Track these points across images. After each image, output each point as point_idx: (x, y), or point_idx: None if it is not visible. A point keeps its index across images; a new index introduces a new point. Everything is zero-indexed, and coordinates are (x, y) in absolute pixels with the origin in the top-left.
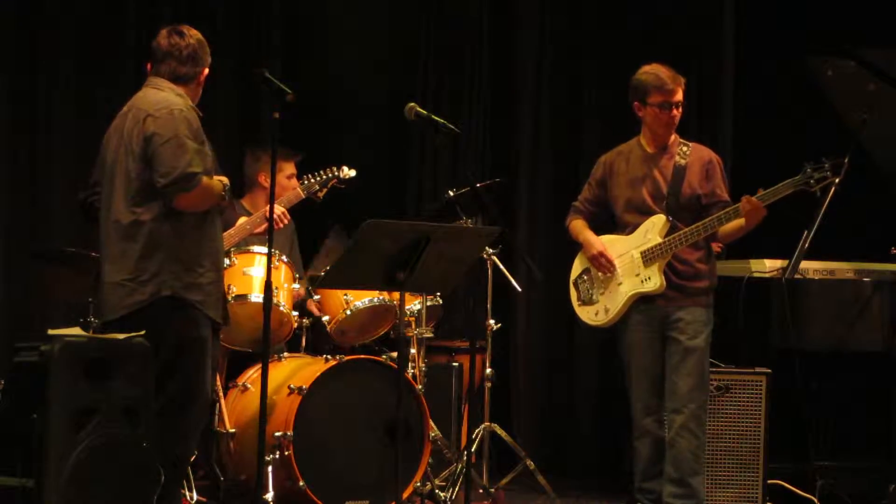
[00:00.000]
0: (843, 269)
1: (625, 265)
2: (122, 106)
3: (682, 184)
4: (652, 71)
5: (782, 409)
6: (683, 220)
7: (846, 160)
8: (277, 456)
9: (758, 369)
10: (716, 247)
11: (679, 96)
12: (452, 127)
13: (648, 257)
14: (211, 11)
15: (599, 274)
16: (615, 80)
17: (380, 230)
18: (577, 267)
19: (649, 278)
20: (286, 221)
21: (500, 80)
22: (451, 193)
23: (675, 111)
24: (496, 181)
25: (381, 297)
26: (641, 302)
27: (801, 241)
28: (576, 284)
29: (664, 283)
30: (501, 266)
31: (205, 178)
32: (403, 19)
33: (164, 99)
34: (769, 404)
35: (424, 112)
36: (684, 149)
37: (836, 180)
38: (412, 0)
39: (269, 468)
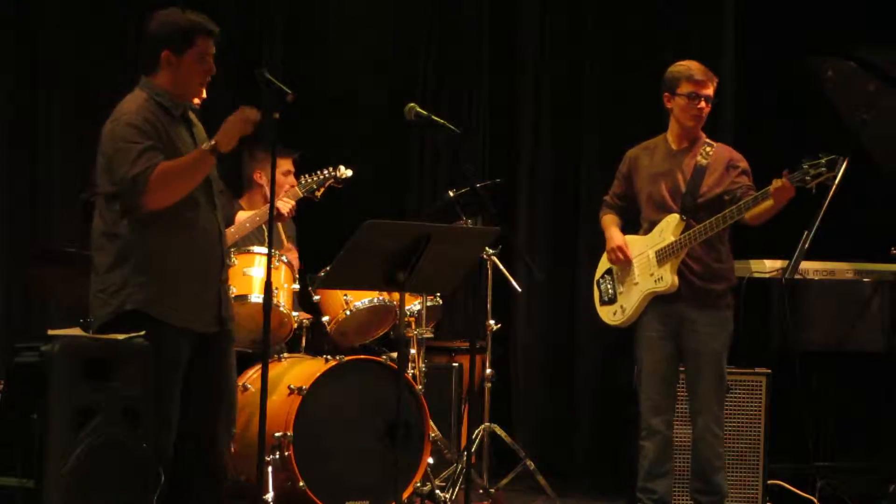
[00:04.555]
0: (843, 269)
1: (641, 264)
2: None
3: (700, 184)
4: (684, 63)
5: (782, 409)
6: (700, 219)
7: (843, 157)
8: (277, 456)
9: (758, 369)
10: None
11: (709, 90)
12: (452, 127)
13: (662, 256)
14: (211, 11)
15: (619, 274)
16: (615, 80)
17: (380, 230)
18: (601, 267)
19: (662, 278)
20: (292, 213)
21: (500, 80)
22: (451, 193)
23: (702, 104)
24: (496, 181)
25: (381, 298)
26: (658, 302)
27: (801, 241)
28: (598, 284)
29: (676, 282)
30: (501, 266)
31: (159, 167)
32: (404, 19)
33: (118, 108)
34: (769, 404)
35: (424, 112)
36: (707, 149)
37: (832, 176)
38: (413, 0)
39: (269, 468)
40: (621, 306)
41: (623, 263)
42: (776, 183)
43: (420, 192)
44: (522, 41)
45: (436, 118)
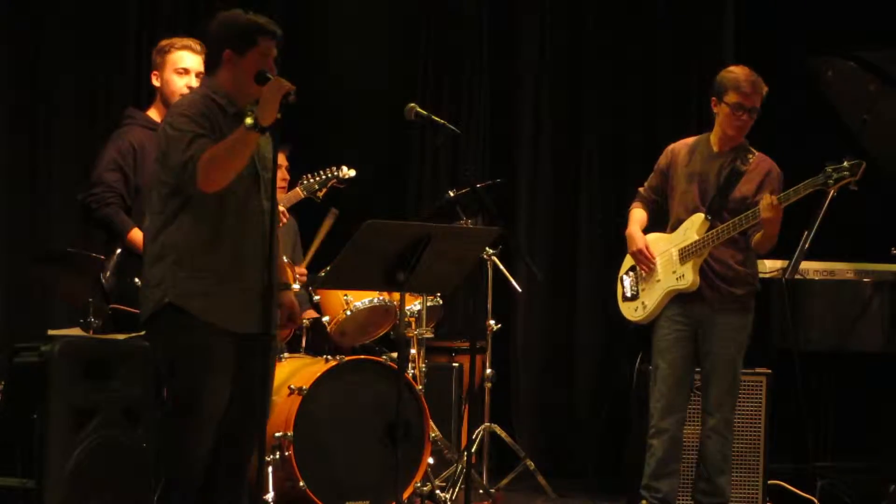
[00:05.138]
0: (843, 269)
1: (664, 262)
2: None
3: (732, 188)
4: (735, 71)
5: (782, 409)
6: (725, 222)
7: (863, 161)
8: (277, 456)
9: (758, 369)
10: None
11: (754, 102)
12: (452, 127)
13: (684, 255)
14: (211, 11)
15: (642, 271)
16: (615, 81)
17: (380, 230)
18: (625, 264)
19: (683, 276)
20: (285, 221)
21: (500, 80)
22: (451, 193)
23: (745, 116)
24: (496, 181)
25: (381, 298)
26: (678, 301)
27: (802, 242)
28: (622, 280)
29: (697, 280)
30: (501, 266)
31: (207, 152)
32: (404, 19)
33: (174, 104)
34: (769, 404)
35: (424, 112)
36: (748, 156)
37: (854, 180)
38: (413, 1)
39: (269, 468)
40: (643, 303)
41: (647, 265)
42: (766, 199)
43: (420, 192)
44: (522, 41)
45: (436, 118)
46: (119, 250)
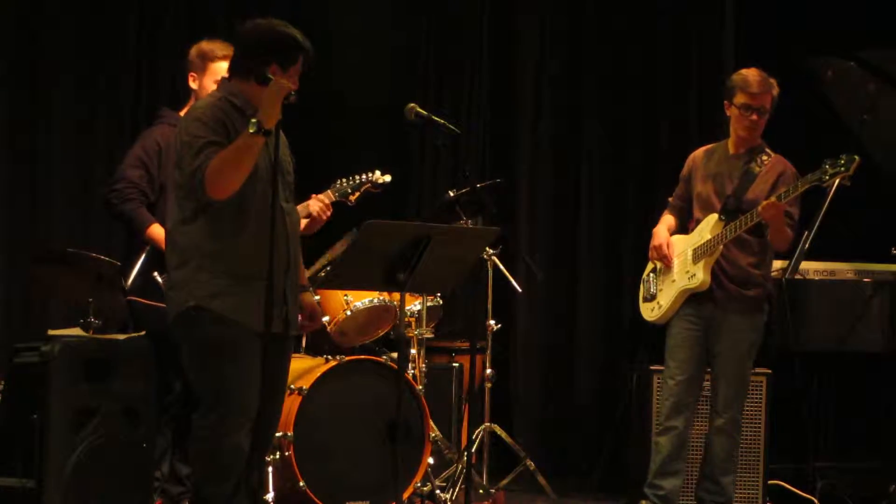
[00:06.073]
0: (843, 269)
1: (680, 262)
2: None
3: (747, 189)
4: (744, 73)
5: (782, 409)
6: None
7: (858, 158)
8: (277, 456)
9: (758, 369)
10: None
11: (763, 102)
12: (452, 127)
13: (697, 254)
14: (211, 13)
15: (662, 271)
16: (615, 81)
17: (380, 230)
18: (649, 265)
19: (695, 275)
20: (327, 216)
21: (500, 80)
22: (451, 193)
23: (755, 116)
24: (496, 181)
25: (381, 298)
26: (692, 302)
27: (802, 242)
28: (644, 282)
29: (708, 280)
30: (501, 266)
31: (215, 159)
32: (404, 20)
33: (191, 107)
34: (769, 404)
35: (424, 112)
36: (764, 157)
37: (848, 175)
38: (413, 1)
39: (269, 468)
40: (658, 303)
41: (661, 261)
42: (763, 202)
43: (420, 192)
44: (522, 41)
45: (436, 118)
46: (147, 248)
